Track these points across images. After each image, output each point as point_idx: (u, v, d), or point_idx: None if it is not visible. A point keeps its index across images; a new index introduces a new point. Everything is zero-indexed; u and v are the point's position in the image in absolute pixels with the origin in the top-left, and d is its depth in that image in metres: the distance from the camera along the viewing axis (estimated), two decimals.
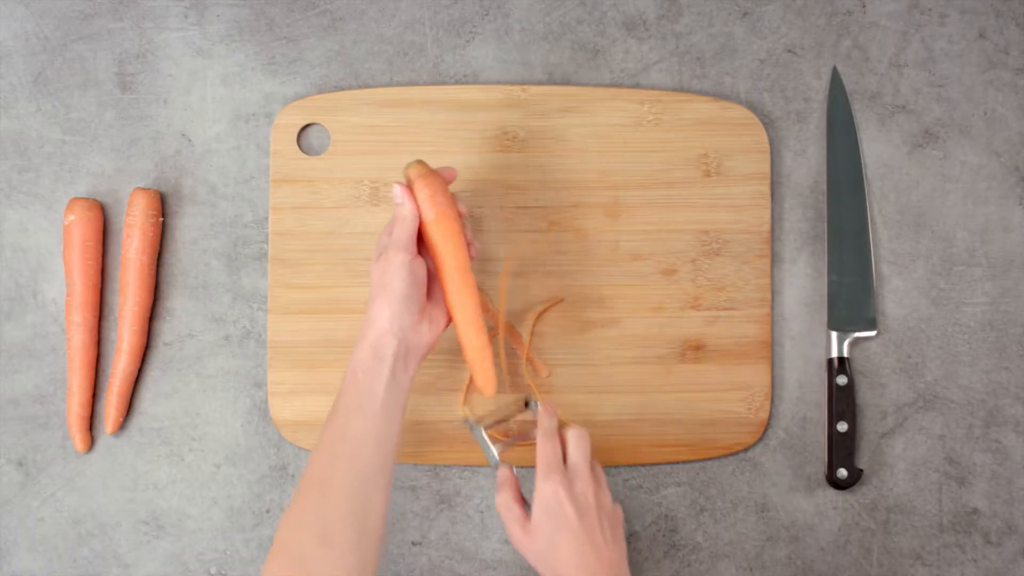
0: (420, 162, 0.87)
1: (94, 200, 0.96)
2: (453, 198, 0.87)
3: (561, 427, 0.86)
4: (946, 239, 0.98)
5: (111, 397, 0.95)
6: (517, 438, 0.91)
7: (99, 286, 0.96)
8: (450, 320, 0.87)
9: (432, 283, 0.87)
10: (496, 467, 0.87)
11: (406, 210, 0.85)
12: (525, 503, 0.85)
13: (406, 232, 0.84)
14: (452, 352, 0.96)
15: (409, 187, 0.86)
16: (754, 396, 0.96)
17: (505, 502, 0.85)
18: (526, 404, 0.91)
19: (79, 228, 0.94)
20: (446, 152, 0.97)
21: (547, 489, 0.82)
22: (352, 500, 0.80)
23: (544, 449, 0.84)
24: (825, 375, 0.97)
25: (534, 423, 0.89)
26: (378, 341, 0.83)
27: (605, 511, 0.83)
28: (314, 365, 0.96)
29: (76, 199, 0.95)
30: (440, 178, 0.86)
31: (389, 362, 0.83)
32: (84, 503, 0.96)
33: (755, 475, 0.97)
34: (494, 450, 0.88)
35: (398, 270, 0.83)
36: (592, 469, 0.84)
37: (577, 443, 0.85)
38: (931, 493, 0.97)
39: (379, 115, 0.97)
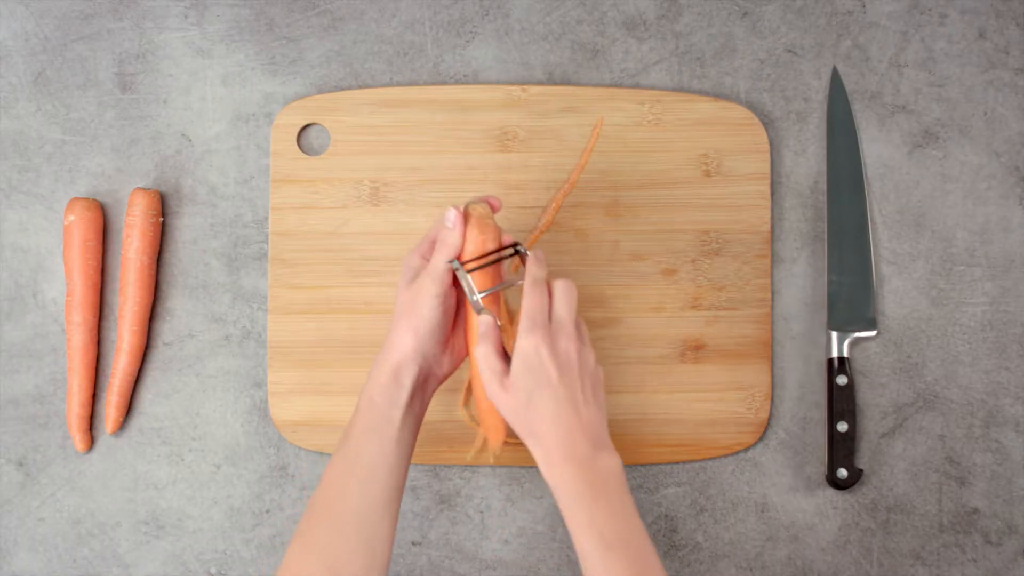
0: (485, 204, 0.84)
1: (94, 200, 0.96)
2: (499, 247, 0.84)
3: (547, 278, 0.82)
4: (946, 239, 0.98)
5: (111, 397, 0.95)
6: (503, 285, 0.84)
7: (99, 286, 0.96)
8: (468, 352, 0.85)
9: (458, 313, 0.85)
10: (479, 312, 0.81)
11: (453, 237, 0.82)
12: (507, 357, 0.80)
13: (446, 261, 0.82)
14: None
15: (464, 218, 0.83)
16: (754, 396, 0.96)
17: (485, 353, 0.80)
18: (515, 251, 0.85)
19: (79, 228, 0.94)
20: (446, 152, 0.97)
21: (529, 343, 0.77)
22: (362, 530, 0.78)
23: (530, 300, 0.79)
24: (825, 375, 0.97)
25: (521, 272, 0.85)
26: (399, 367, 0.81)
27: (587, 370, 0.79)
28: (314, 365, 0.96)
29: (76, 199, 0.95)
30: (497, 230, 0.83)
31: (408, 389, 0.81)
32: (84, 503, 0.97)
33: (755, 475, 0.97)
34: (478, 295, 0.82)
35: (431, 300, 0.81)
36: (577, 326, 0.80)
37: (564, 296, 0.80)
38: (931, 493, 0.97)
39: (379, 115, 0.97)
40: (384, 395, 0.81)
